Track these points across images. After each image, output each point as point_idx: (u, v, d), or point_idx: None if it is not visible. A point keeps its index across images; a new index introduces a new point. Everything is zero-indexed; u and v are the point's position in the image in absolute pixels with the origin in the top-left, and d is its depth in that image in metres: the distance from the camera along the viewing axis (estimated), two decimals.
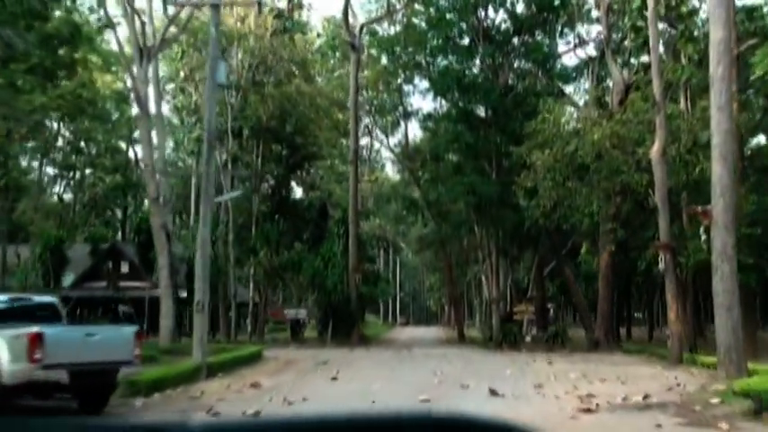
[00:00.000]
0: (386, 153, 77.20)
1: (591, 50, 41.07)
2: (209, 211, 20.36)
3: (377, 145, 71.31)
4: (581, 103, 39.77)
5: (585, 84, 41.56)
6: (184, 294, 38.84)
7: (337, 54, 52.02)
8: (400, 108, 43.01)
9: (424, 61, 41.35)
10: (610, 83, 38.02)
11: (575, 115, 31.20)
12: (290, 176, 48.11)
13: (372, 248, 51.29)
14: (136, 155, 63.98)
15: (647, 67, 36.48)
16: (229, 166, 41.05)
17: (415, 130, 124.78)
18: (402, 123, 50.21)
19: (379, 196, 68.20)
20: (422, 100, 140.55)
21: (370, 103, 50.39)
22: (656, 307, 61.58)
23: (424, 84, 41.59)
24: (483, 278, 71.62)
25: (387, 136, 51.22)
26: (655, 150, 25.02)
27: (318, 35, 55.30)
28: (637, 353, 32.24)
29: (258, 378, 19.94)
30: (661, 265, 24.76)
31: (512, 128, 36.50)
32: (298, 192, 55.79)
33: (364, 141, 79.46)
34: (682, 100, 31.98)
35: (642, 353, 31.83)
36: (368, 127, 55.11)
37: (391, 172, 69.10)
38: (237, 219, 43.44)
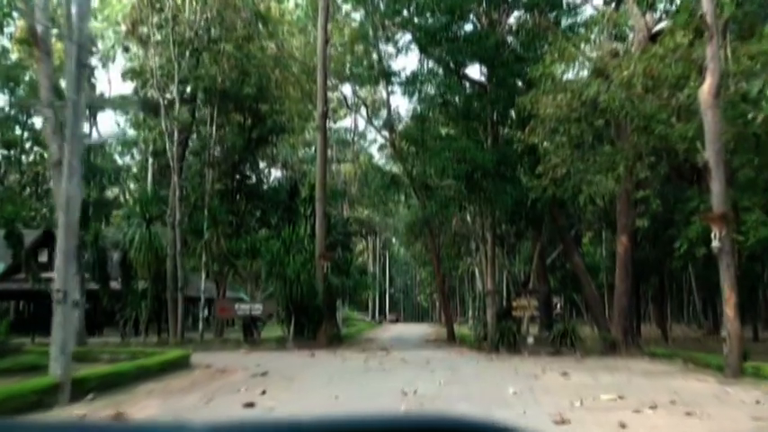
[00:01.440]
0: (371, 135, 71.17)
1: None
2: (75, 155, 13.93)
3: (361, 126, 65.38)
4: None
5: (598, 40, 35.03)
6: (117, 286, 32.54)
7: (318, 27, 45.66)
8: (377, 67, 36.24)
9: (406, 11, 34.79)
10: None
11: (587, 64, 24.40)
12: (256, 151, 41.58)
13: (353, 234, 44.46)
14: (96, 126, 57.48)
15: (672, 14, 30.27)
16: (175, 135, 34.44)
17: (398, 100, 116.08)
18: (382, 89, 43.53)
19: (362, 180, 62.03)
20: (404, 58, 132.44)
21: (350, 71, 43.79)
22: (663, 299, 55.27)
23: (407, 37, 34.95)
24: (476, 270, 65.56)
25: (367, 107, 44.53)
26: (705, 90, 18.68)
27: (297, 4, 49.00)
28: (666, 358, 25.93)
29: (146, 402, 13.64)
30: (715, 243, 18.39)
31: (510, 86, 30.18)
32: (273, 173, 49.46)
33: (347, 122, 73.15)
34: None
35: (673, 358, 25.53)
36: (347, 102, 48.61)
37: (378, 156, 62.60)
38: (190, 197, 36.97)
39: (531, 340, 30.66)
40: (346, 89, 60.05)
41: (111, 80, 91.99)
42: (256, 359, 24.69)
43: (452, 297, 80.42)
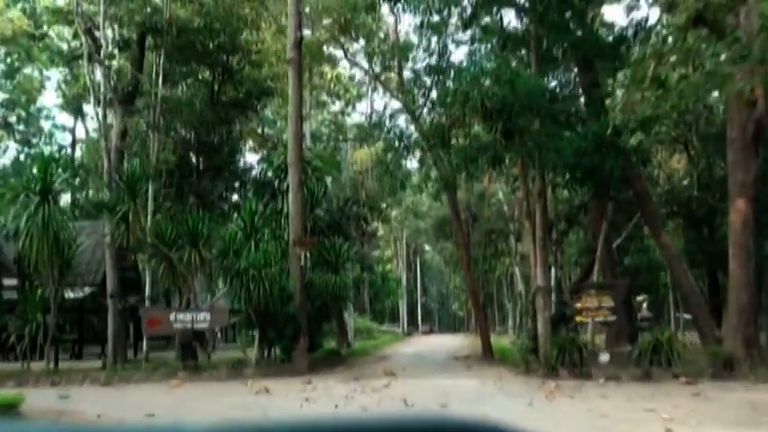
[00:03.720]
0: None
1: None
2: None
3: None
4: None
5: None
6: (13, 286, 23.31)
7: None
8: None
9: None
10: None
11: None
12: (231, 117, 32.33)
13: (353, 218, 34.16)
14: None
15: None
16: (102, 87, 25.02)
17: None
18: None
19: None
20: None
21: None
22: None
23: None
24: (515, 270, 55.50)
25: (372, 56, 34.39)
26: None
27: None
28: None
29: None
30: None
31: None
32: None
33: (363, 107, 63.33)
34: None
35: None
36: (346, 52, 38.90)
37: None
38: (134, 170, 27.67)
39: (605, 358, 20.64)
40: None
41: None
42: (168, 401, 15.31)
43: (489, 304, 70.69)
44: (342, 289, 23.65)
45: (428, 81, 24.92)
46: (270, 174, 26.76)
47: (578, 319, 21.79)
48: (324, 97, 53.97)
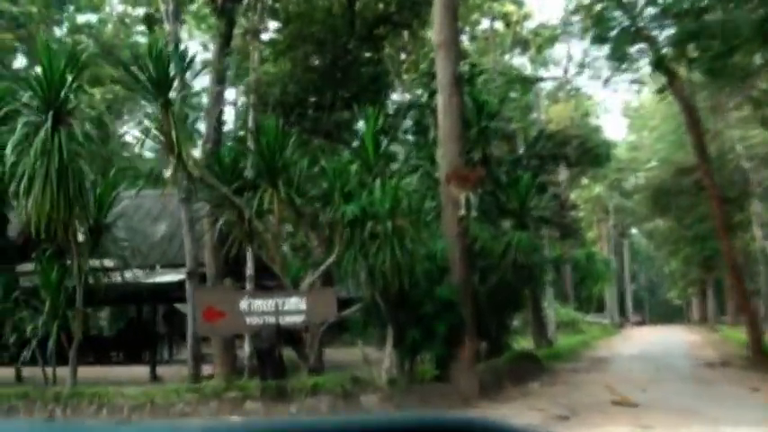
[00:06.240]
0: None
1: None
2: None
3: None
4: None
5: None
6: None
7: None
8: None
9: None
10: None
11: None
12: (381, 36, 24.14)
13: (552, 158, 23.76)
14: None
15: None
16: None
17: None
18: None
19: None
20: None
21: None
22: None
23: None
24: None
25: None
26: None
27: None
28: None
29: None
30: None
31: None
32: None
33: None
34: None
35: None
36: None
37: None
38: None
39: None
40: None
41: None
42: None
43: (719, 289, 58.55)
44: (531, 256, 14.05)
45: None
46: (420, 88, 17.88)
47: None
48: (508, 57, 46.46)
